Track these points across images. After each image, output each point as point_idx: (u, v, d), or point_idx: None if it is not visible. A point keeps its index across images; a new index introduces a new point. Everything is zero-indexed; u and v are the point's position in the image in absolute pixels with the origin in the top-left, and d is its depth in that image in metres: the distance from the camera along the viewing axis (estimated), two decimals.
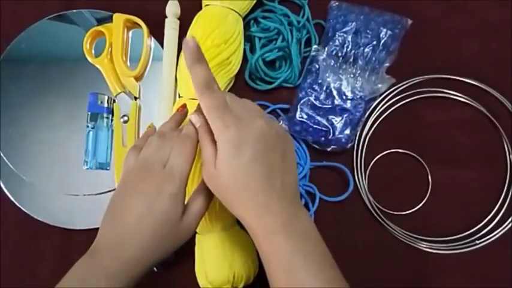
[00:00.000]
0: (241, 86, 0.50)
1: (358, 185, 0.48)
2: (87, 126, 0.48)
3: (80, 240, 0.47)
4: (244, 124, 0.32)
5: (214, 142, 0.33)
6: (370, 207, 0.48)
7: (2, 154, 0.48)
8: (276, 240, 0.31)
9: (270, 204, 0.32)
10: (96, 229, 0.46)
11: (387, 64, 0.49)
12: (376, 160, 0.49)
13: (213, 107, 0.33)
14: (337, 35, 0.49)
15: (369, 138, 0.49)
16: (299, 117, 0.48)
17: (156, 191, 0.34)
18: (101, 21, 0.50)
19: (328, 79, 0.48)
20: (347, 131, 0.48)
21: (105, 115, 0.48)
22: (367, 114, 0.49)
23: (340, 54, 0.49)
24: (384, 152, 0.49)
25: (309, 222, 0.33)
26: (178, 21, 0.49)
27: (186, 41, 0.32)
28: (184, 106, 0.43)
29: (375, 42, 0.49)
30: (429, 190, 0.49)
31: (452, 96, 0.50)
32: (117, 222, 0.34)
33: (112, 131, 0.48)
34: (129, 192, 0.35)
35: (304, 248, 0.31)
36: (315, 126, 0.48)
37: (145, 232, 0.33)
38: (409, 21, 0.49)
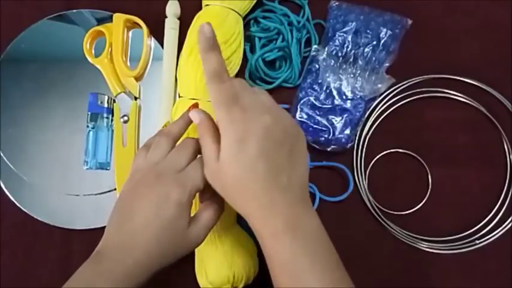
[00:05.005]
0: None
1: (358, 185, 0.48)
2: (87, 126, 0.48)
3: (80, 240, 0.47)
4: (250, 119, 0.31)
5: (216, 139, 0.33)
6: (370, 207, 0.48)
7: (2, 154, 0.48)
8: (280, 241, 0.31)
9: (275, 204, 0.31)
10: (96, 229, 0.47)
11: (387, 64, 0.49)
12: (376, 160, 0.49)
13: (221, 98, 0.32)
14: (337, 35, 0.49)
15: (369, 138, 0.49)
16: (299, 117, 0.48)
17: (164, 196, 0.33)
18: (101, 21, 0.50)
19: (328, 79, 0.48)
20: (347, 131, 0.48)
21: (105, 115, 0.48)
22: (367, 114, 0.49)
23: (340, 54, 0.49)
24: (384, 152, 0.49)
25: (315, 221, 0.32)
26: (178, 21, 0.49)
27: (202, 26, 0.31)
28: (195, 105, 0.43)
29: (374, 42, 0.49)
30: (429, 190, 0.49)
31: (452, 96, 0.50)
32: (124, 226, 0.33)
33: (112, 131, 0.48)
34: (137, 195, 0.34)
35: (308, 249, 0.31)
36: (315, 126, 0.48)
37: (151, 238, 0.32)
38: (409, 21, 0.49)
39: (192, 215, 0.35)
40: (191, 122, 0.40)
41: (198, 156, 0.36)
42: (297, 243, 0.31)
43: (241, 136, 0.31)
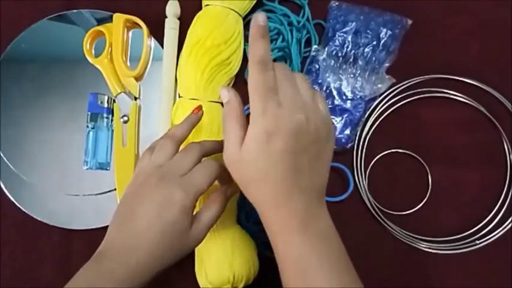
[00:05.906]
0: (241, 86, 0.50)
1: (358, 185, 0.48)
2: (87, 127, 0.48)
3: (80, 241, 0.47)
4: (284, 116, 0.30)
5: (241, 125, 0.32)
6: (370, 207, 0.48)
7: (2, 154, 0.48)
8: (292, 238, 0.31)
9: (291, 202, 0.31)
10: (96, 229, 0.47)
11: (387, 64, 0.49)
12: (376, 160, 0.49)
13: (259, 88, 0.31)
14: (337, 35, 0.49)
15: (369, 138, 0.49)
16: None
17: (167, 199, 0.33)
18: (101, 21, 0.50)
19: (328, 79, 0.48)
20: (347, 131, 0.48)
21: (105, 115, 0.48)
22: (367, 114, 0.49)
23: (340, 54, 0.49)
24: (384, 152, 0.49)
25: (328, 222, 0.33)
26: (178, 21, 0.49)
27: (257, 15, 0.31)
28: (199, 108, 0.43)
29: (374, 42, 0.49)
30: (429, 190, 0.49)
31: (452, 96, 0.50)
32: (126, 227, 0.33)
33: (112, 131, 0.48)
34: (140, 197, 0.34)
35: (318, 249, 0.31)
36: None
37: (153, 240, 0.32)
38: (409, 21, 0.49)
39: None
40: (195, 124, 0.41)
41: (203, 159, 0.37)
42: (307, 241, 0.31)
43: (271, 129, 0.30)
